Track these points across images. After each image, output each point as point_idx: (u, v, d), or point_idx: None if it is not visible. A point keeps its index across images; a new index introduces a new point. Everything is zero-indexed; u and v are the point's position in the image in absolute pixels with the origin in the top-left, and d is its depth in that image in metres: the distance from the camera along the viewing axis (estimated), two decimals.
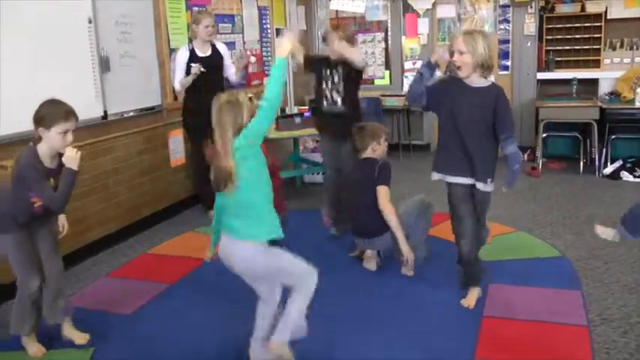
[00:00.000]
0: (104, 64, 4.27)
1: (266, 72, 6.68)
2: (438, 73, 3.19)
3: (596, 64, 6.72)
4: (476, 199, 3.07)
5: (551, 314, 3.05)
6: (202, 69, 4.55)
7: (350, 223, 3.89)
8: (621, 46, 6.69)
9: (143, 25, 4.72)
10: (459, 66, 2.93)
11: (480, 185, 2.99)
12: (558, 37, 6.87)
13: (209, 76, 4.59)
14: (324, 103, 4.20)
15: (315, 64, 4.21)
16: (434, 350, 2.77)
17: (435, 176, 3.13)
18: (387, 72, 7.66)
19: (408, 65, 7.44)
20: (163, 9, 4.95)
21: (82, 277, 3.84)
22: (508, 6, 7.01)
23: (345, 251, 3.99)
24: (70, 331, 2.96)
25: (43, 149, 2.64)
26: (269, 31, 6.75)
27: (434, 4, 7.26)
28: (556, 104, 6.33)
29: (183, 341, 2.95)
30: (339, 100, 4.14)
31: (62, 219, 2.97)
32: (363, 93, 7.11)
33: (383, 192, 3.61)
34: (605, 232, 2.81)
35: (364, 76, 4.27)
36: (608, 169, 5.92)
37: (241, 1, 6.14)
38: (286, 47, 2.37)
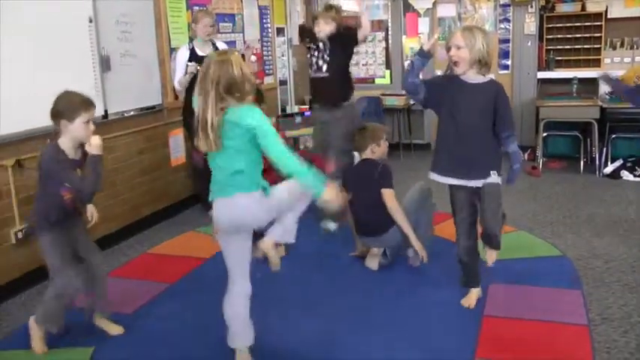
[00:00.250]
0: (105, 64, 4.27)
1: (266, 71, 6.68)
2: (438, 72, 3.17)
3: (597, 63, 6.70)
4: (483, 192, 2.92)
5: (552, 314, 3.04)
6: (199, 67, 4.53)
7: (350, 217, 3.87)
8: (621, 45, 6.68)
9: (144, 24, 4.72)
10: (455, 61, 2.88)
11: (484, 181, 2.90)
12: (559, 36, 6.87)
13: None
14: (311, 70, 4.47)
15: (305, 35, 4.59)
16: (434, 350, 2.77)
17: (435, 177, 3.05)
18: (388, 71, 7.66)
19: (408, 65, 7.42)
20: (164, 8, 4.94)
21: None
22: (508, 5, 7.00)
23: (345, 251, 3.99)
24: (104, 323, 3.01)
25: (65, 142, 2.64)
26: (269, 30, 6.75)
27: (434, 4, 7.25)
28: (556, 103, 6.32)
29: (183, 341, 2.95)
30: (325, 67, 4.35)
31: (91, 208, 3.00)
32: (363, 92, 7.07)
33: (389, 195, 3.59)
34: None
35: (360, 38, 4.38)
36: (609, 169, 5.91)
37: (242, 1, 6.13)
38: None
